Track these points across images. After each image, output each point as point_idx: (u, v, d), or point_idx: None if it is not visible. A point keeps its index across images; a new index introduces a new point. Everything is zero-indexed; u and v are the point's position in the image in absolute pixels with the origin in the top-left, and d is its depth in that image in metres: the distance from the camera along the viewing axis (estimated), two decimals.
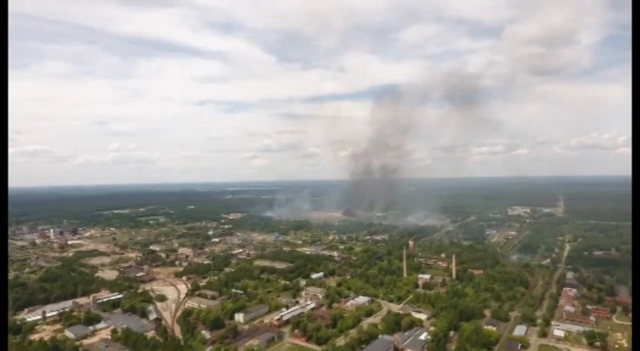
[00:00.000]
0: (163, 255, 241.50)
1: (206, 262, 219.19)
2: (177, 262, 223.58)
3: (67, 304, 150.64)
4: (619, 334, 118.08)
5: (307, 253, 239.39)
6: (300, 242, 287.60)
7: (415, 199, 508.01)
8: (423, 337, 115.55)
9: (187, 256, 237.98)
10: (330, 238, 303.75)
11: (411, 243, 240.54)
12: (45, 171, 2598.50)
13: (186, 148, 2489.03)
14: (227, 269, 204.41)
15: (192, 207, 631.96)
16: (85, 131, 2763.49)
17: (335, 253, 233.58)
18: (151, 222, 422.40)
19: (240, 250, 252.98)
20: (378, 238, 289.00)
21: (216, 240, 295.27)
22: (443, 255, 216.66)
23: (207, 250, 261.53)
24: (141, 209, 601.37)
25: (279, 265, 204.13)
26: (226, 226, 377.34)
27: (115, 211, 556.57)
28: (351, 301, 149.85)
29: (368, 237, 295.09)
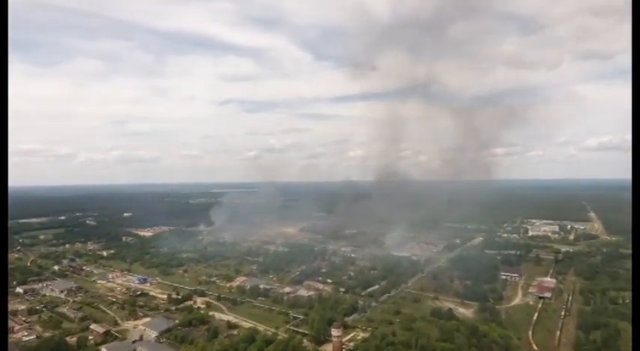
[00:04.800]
0: None
1: None
2: None
3: None
4: None
5: None
6: (163, 298, 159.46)
7: (407, 208, 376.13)
8: None
9: None
10: (231, 285, 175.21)
11: (335, 334, 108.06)
12: (43, 170, 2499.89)
13: (194, 148, 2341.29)
14: None
15: (129, 214, 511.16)
16: (101, 131, 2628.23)
17: None
18: (26, 241, 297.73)
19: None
20: (305, 294, 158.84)
21: (22, 290, 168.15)
22: None
23: None
24: (61, 217, 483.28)
25: None
26: (104, 253, 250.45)
27: (21, 221, 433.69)
28: None
29: (288, 290, 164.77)
